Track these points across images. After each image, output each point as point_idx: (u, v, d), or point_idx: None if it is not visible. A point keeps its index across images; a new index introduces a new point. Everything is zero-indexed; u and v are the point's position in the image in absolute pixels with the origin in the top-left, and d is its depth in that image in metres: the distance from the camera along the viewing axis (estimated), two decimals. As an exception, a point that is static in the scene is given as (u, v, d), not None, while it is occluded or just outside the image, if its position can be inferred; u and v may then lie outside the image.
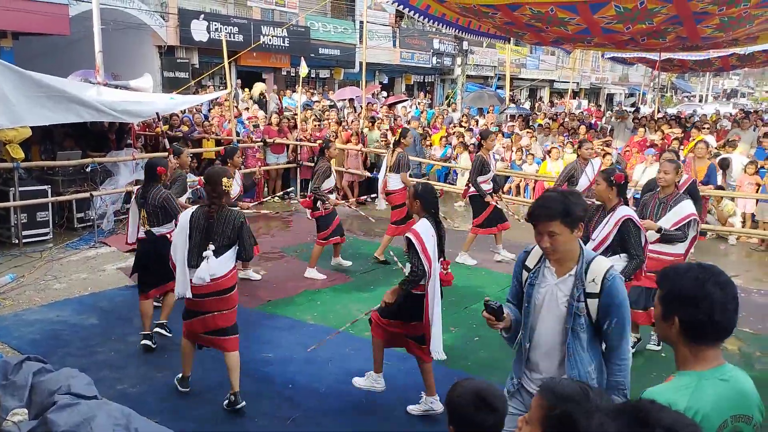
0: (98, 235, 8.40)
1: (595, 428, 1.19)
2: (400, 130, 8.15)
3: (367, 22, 13.06)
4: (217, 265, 4.13)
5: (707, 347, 1.71)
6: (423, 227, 4.07)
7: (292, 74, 21.30)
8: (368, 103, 14.41)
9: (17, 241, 7.85)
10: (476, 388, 1.88)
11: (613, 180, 4.45)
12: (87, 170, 8.86)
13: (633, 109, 24.14)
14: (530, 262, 2.67)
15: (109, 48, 11.12)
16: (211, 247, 4.12)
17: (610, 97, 41.93)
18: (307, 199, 7.23)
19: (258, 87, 17.04)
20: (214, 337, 4.33)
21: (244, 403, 4.22)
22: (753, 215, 9.23)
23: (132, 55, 16.31)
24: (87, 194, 8.35)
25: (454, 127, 14.21)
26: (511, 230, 8.81)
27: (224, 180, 4.21)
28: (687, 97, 44.21)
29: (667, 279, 1.74)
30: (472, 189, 7.81)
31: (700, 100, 41.57)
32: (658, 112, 18.65)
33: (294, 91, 17.81)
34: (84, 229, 8.71)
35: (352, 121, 12.33)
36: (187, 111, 11.64)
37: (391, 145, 8.12)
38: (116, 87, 10.06)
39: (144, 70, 13.44)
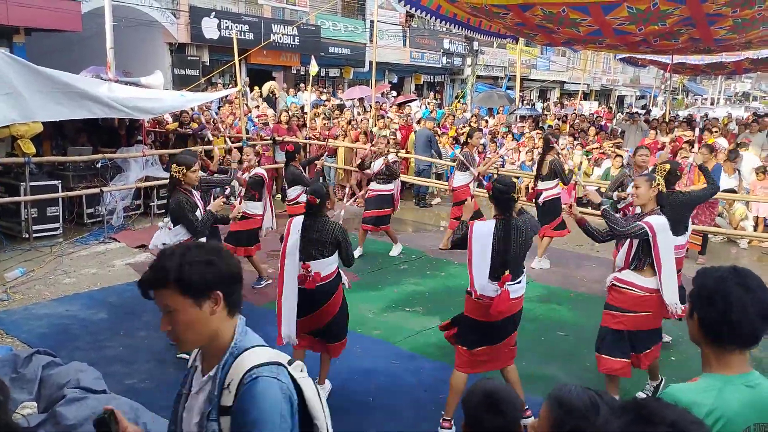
0: (108, 230, 8.45)
1: (599, 426, 1.17)
2: (467, 130, 8.17)
3: (378, 21, 13.03)
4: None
5: (730, 353, 1.69)
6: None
7: (301, 73, 21.32)
8: (377, 103, 14.39)
9: (27, 236, 7.90)
10: (488, 390, 1.87)
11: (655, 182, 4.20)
12: (97, 166, 8.91)
13: (644, 111, 23.99)
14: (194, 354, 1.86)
15: (121, 45, 11.15)
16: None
17: (620, 99, 41.71)
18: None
19: (268, 85, 17.06)
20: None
21: None
22: (765, 219, 9.15)
23: (143, 52, 16.37)
24: (97, 190, 8.40)
25: (464, 127, 14.16)
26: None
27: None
28: (698, 99, 43.90)
29: (697, 277, 1.75)
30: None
31: (712, 103, 41.24)
32: (669, 114, 18.51)
33: (299, 90, 17.84)
34: (94, 224, 8.76)
35: (361, 120, 12.32)
36: (197, 108, 11.67)
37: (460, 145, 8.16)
38: (127, 84, 10.11)
39: (155, 67, 13.50)
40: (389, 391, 4.58)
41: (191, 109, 11.42)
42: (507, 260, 3.81)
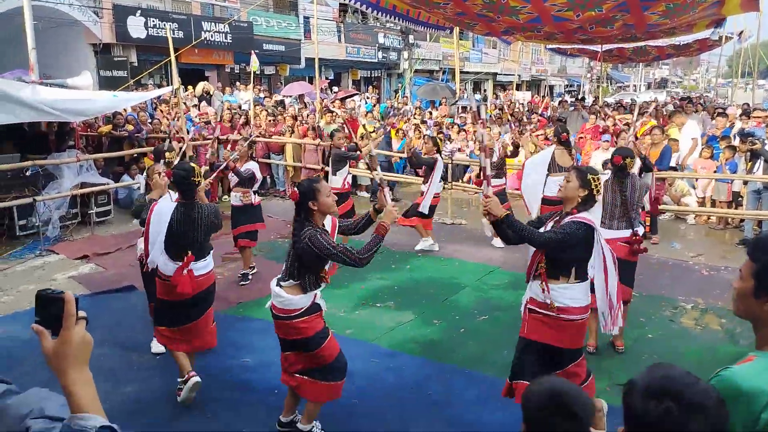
0: (44, 242, 7.82)
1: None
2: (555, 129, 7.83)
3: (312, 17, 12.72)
4: None
5: None
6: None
7: (236, 71, 20.68)
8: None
9: (-47, 254, 7.21)
10: (554, 389, 1.66)
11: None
12: (27, 174, 8.23)
13: (575, 99, 24.67)
14: None
15: (41, 48, 10.40)
16: None
17: (550, 89, 42.88)
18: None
19: (201, 85, 16.43)
20: None
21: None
22: (712, 197, 9.47)
23: (65, 55, 15.42)
24: (29, 199, 7.76)
25: (406, 120, 14.09)
26: (475, 220, 8.81)
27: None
28: (621, 86, 45.73)
29: (764, 250, 1.57)
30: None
31: (634, 90, 43.05)
32: (598, 101, 19.10)
33: (236, 89, 17.28)
34: (27, 237, 8.09)
35: (308, 116, 12.00)
36: (131, 109, 11.04)
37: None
38: (52, 86, 9.40)
39: (79, 70, 12.69)
40: (372, 393, 4.36)
41: (125, 110, 10.80)
42: (188, 243, 4.19)
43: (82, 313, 1.33)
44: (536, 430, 1.64)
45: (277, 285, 3.57)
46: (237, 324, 5.59)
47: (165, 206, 4.27)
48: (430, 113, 15.36)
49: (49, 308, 1.31)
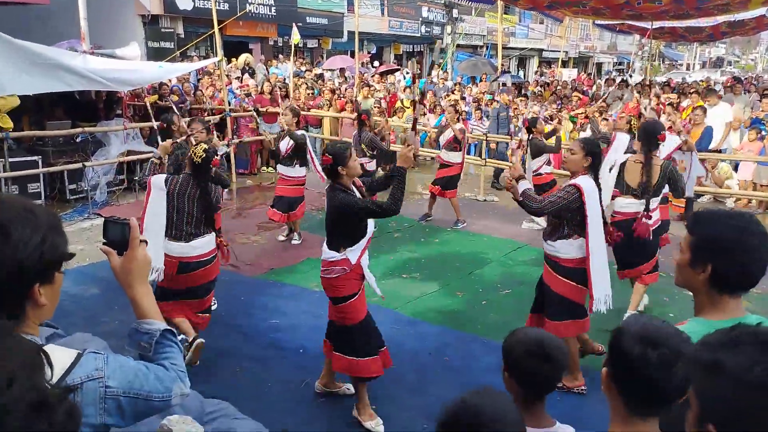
0: (92, 206, 8.24)
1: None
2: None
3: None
4: None
5: (729, 297, 1.64)
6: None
7: (279, 44, 20.88)
8: (360, 73, 14.18)
9: (9, 214, 7.65)
10: (535, 337, 1.83)
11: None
12: (77, 141, 8.65)
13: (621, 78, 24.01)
14: None
15: (90, 18, 10.75)
16: None
17: (599, 66, 41.76)
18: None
19: (243, 57, 16.70)
20: None
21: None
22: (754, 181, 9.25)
23: (115, 26, 15.84)
24: (79, 165, 8.16)
25: (446, 96, 14.07)
26: (505, 198, 8.83)
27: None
28: (673, 65, 44.19)
29: (701, 224, 1.65)
30: None
31: (687, 68, 41.55)
32: (649, 80, 18.58)
33: (280, 61, 17.48)
34: (77, 200, 8.54)
35: (346, 89, 12.13)
36: (176, 80, 11.37)
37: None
38: (102, 56, 9.77)
39: (128, 40, 13.07)
40: (393, 356, 4.53)
41: (170, 81, 11.13)
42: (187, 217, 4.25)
43: (143, 237, 1.53)
44: (517, 374, 1.81)
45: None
46: (268, 289, 5.83)
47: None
48: (470, 89, 15.27)
49: (116, 232, 1.51)
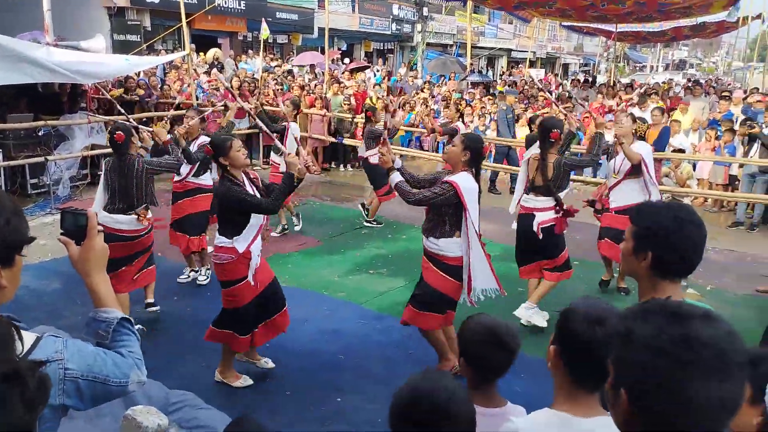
0: (54, 201, 8.10)
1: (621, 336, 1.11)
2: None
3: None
4: None
5: (669, 282, 1.74)
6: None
7: (248, 39, 20.73)
8: (330, 69, 14.19)
9: (-33, 208, 7.47)
10: (489, 324, 1.91)
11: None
12: (39, 134, 8.48)
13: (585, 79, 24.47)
14: None
15: (55, 9, 10.53)
16: None
17: (565, 67, 42.45)
18: None
19: (212, 52, 16.52)
20: None
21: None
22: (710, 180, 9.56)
23: (79, 18, 15.48)
24: (41, 159, 8.01)
25: (416, 94, 14.18)
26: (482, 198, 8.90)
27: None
28: (637, 67, 45.17)
29: (642, 215, 1.75)
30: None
31: (651, 70, 42.52)
32: (613, 81, 18.99)
33: (249, 57, 17.36)
34: (38, 195, 8.38)
35: (316, 86, 12.13)
36: (142, 74, 11.22)
37: None
38: (66, 48, 9.58)
39: (92, 33, 12.82)
40: (359, 350, 4.62)
41: (136, 74, 10.97)
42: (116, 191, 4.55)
43: (99, 227, 1.57)
44: (471, 359, 1.89)
45: None
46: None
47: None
48: (439, 87, 15.41)
49: (73, 223, 1.54)
